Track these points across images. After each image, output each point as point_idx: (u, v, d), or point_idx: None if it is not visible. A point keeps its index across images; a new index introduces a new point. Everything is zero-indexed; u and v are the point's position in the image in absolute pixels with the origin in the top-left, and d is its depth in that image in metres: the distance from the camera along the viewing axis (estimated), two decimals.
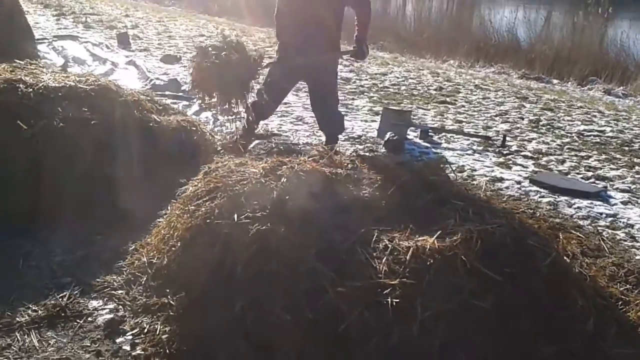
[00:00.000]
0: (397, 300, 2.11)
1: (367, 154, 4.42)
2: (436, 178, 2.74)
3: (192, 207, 2.67)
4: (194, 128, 4.34)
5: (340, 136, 4.93)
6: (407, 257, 2.22)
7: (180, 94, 5.74)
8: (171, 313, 2.44)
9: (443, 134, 5.20)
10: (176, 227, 2.73)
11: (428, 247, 2.23)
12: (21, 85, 3.58)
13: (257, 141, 4.65)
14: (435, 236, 2.27)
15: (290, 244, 2.34)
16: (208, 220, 2.55)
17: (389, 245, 2.28)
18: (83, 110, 3.61)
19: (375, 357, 2.10)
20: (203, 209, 2.62)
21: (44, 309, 2.50)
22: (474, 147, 4.93)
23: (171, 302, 2.48)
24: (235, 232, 2.44)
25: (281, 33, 4.14)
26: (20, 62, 4.25)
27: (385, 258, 2.23)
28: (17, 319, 2.45)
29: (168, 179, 3.70)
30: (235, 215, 2.47)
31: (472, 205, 2.54)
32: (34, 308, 2.52)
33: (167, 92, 5.66)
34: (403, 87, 6.96)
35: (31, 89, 3.61)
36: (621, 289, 2.73)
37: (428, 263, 2.19)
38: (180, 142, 4.03)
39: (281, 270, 2.30)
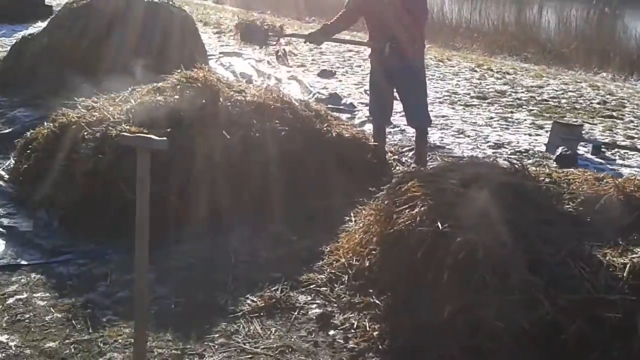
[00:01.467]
0: (618, 315, 2.12)
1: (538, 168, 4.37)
2: None
3: (392, 214, 2.83)
4: (365, 139, 4.57)
5: (505, 149, 4.94)
6: (625, 274, 2.21)
7: (342, 107, 6.00)
8: (378, 312, 2.61)
9: (616, 149, 5.00)
10: (375, 232, 2.90)
11: None
12: (221, 99, 3.97)
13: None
14: None
15: (499, 254, 2.42)
16: (410, 227, 2.69)
17: (603, 261, 2.28)
18: (274, 122, 3.93)
19: None
20: (403, 216, 2.77)
21: (262, 300, 2.77)
22: None
23: (377, 301, 2.65)
24: (440, 239, 2.56)
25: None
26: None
27: (601, 273, 2.24)
28: (240, 307, 2.74)
29: (347, 185, 3.94)
30: (439, 223, 2.59)
31: None
32: (252, 299, 2.80)
33: (329, 105, 5.92)
34: (563, 100, 6.76)
35: (228, 102, 3.99)
36: None
37: None
38: (355, 152, 4.26)
39: (491, 279, 2.38)
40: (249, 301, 2.78)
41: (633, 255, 2.30)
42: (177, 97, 3.93)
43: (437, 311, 2.44)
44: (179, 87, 4.05)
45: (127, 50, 5.71)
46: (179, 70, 4.23)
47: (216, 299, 2.79)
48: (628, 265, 2.24)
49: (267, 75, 7.10)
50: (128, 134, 2.02)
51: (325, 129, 4.25)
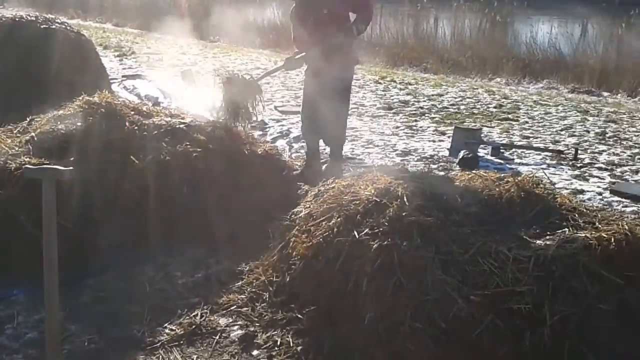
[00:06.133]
0: (528, 306, 2.24)
1: (443, 172, 4.56)
2: (540, 191, 2.86)
3: (310, 228, 2.85)
4: (278, 155, 4.59)
5: (412, 156, 5.11)
6: (530, 266, 2.34)
7: (252, 124, 5.97)
8: (301, 326, 2.61)
9: (514, 149, 5.32)
10: (294, 247, 2.91)
11: (549, 255, 2.35)
12: (127, 124, 3.86)
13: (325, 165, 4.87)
14: (555, 245, 2.39)
15: (413, 257, 2.49)
16: (328, 239, 2.73)
17: (510, 255, 2.41)
18: (185, 144, 3.86)
19: None
20: (321, 228, 2.80)
21: (181, 328, 2.70)
22: (548, 162, 5.04)
23: (299, 316, 2.65)
24: (357, 248, 2.61)
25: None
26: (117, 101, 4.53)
27: (508, 267, 2.36)
28: (158, 338, 2.65)
29: (264, 203, 3.93)
30: (355, 233, 2.64)
31: (580, 214, 2.66)
32: (170, 327, 2.72)
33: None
34: (462, 107, 7.10)
35: (135, 127, 3.88)
36: None
37: (551, 270, 2.31)
38: (270, 168, 4.26)
39: (407, 282, 2.45)
40: (167, 330, 2.69)
41: (536, 248, 2.44)
42: (79, 124, 3.77)
43: (358, 319, 2.47)
44: (80, 114, 3.89)
45: (19, 79, 5.44)
46: (80, 97, 4.09)
47: (132, 332, 2.68)
48: (532, 258, 2.37)
49: (173, 97, 6.97)
50: (32, 167, 1.91)
51: (238, 147, 4.22)
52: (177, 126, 3.97)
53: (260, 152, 4.33)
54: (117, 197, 3.49)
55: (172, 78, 8.02)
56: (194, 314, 2.81)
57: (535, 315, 2.24)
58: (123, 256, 3.29)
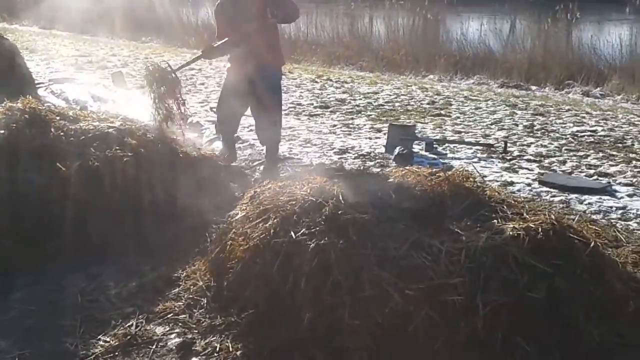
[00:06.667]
0: (460, 298, 2.29)
1: (379, 169, 4.62)
2: (470, 184, 2.94)
3: (247, 230, 2.82)
4: (214, 158, 4.53)
5: (350, 154, 5.15)
6: (462, 258, 2.40)
7: (187, 126, 5.86)
8: (240, 330, 2.57)
9: (446, 144, 5.45)
10: (231, 251, 2.87)
11: (480, 246, 2.41)
12: (52, 130, 3.71)
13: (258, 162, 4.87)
14: (485, 236, 2.45)
15: (349, 255, 2.51)
16: (265, 240, 2.70)
17: (442, 249, 2.46)
18: (115, 149, 3.74)
19: (445, 353, 2.27)
20: (258, 230, 2.77)
21: (115, 339, 2.61)
22: (479, 155, 5.19)
23: (238, 320, 2.62)
24: (294, 248, 2.60)
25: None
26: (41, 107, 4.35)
27: (441, 260, 2.40)
28: (92, 350, 2.55)
29: (201, 206, 3.86)
30: (292, 233, 2.63)
31: (509, 206, 2.75)
32: (105, 339, 2.62)
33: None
34: (397, 104, 7.23)
35: (61, 132, 3.74)
36: None
37: (482, 261, 2.37)
38: (206, 171, 4.19)
39: (344, 280, 2.45)
40: (101, 342, 2.60)
41: (467, 240, 2.50)
42: (2, 132, 3.60)
43: (298, 319, 2.46)
44: (3, 121, 3.72)
45: None
46: (3, 103, 3.91)
47: (64, 345, 2.57)
48: (464, 250, 2.43)
49: (103, 100, 6.77)
50: None
51: (172, 150, 4.13)
52: (106, 130, 3.85)
53: (195, 155, 4.25)
54: (44, 206, 3.36)
55: (102, 80, 7.80)
56: (128, 324, 2.72)
57: (468, 307, 2.29)
58: (52, 267, 3.17)
